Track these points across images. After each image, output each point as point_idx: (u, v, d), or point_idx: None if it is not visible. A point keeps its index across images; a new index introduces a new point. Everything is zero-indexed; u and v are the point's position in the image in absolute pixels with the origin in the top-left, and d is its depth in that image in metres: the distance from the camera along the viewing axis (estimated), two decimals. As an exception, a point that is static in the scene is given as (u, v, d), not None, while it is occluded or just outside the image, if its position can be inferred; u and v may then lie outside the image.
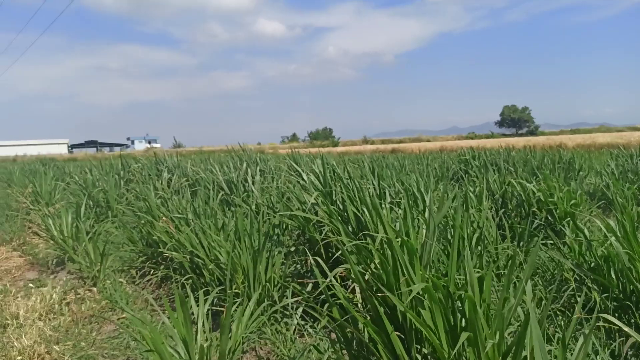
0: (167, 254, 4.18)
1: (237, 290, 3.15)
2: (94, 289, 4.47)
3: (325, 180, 3.35)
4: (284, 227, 3.65)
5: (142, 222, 4.93)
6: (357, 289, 2.60)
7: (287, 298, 3.05)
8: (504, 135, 78.44)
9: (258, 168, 7.48)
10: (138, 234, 5.08)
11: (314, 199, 3.11)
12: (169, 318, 2.59)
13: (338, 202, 3.18)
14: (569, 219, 4.54)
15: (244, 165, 7.36)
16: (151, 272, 4.52)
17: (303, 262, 3.44)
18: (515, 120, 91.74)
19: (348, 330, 2.23)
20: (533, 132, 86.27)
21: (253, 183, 6.38)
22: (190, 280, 3.79)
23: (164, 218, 4.18)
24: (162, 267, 4.53)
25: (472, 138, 70.50)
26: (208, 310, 2.77)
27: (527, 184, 4.58)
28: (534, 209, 4.71)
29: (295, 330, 3.04)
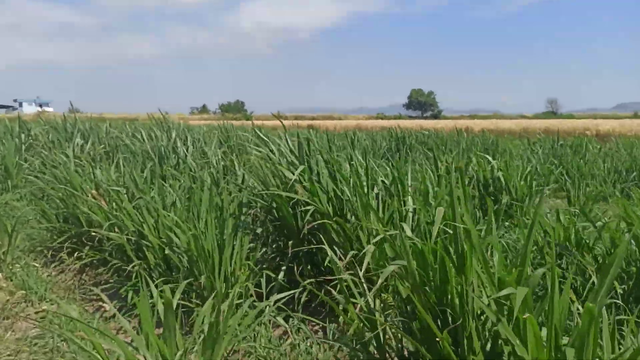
0: (97, 234, 3.49)
1: (199, 282, 2.64)
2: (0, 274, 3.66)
3: (302, 153, 2.90)
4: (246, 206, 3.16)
5: (60, 194, 4.13)
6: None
7: (268, 291, 2.59)
8: (411, 117, 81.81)
9: (189, 137, 6.77)
10: (53, 208, 4.27)
11: (297, 175, 2.65)
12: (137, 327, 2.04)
13: (321, 180, 2.76)
14: (526, 200, 4.52)
15: (173, 133, 6.61)
16: (74, 254, 3.79)
17: (274, 247, 2.99)
18: (421, 103, 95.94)
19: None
20: (436, 116, 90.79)
21: (187, 152, 5.71)
22: (130, 266, 3.18)
23: (93, 191, 3.47)
24: (87, 248, 3.81)
25: (381, 118, 72.48)
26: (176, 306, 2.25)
27: (492, 161, 4.48)
28: (491, 190, 4.64)
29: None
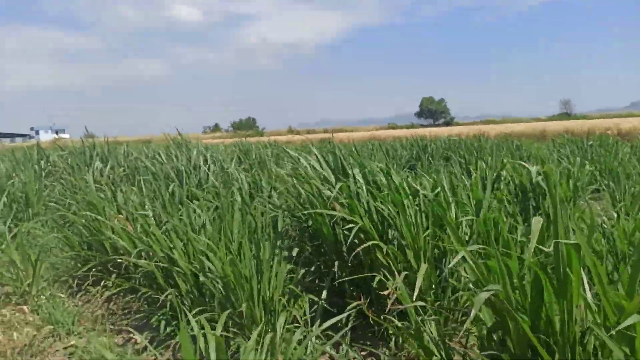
0: (124, 261, 3.33)
1: (237, 310, 2.45)
2: (25, 307, 3.52)
3: (338, 168, 2.72)
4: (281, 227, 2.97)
5: (83, 220, 3.99)
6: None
7: (311, 316, 2.39)
8: (423, 126, 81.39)
9: (209, 155, 6.65)
10: (76, 235, 4.13)
11: (334, 191, 2.47)
12: None
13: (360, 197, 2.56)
14: (570, 204, 4.27)
15: (194, 152, 6.49)
16: (101, 282, 3.64)
17: (313, 269, 2.79)
18: (432, 111, 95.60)
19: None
20: (449, 123, 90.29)
21: (208, 170, 5.57)
22: (163, 296, 3.01)
23: (119, 216, 3.32)
24: (113, 276, 3.66)
25: (393, 128, 72.28)
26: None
27: (529, 166, 4.25)
28: (530, 195, 4.40)
29: None
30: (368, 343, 2.73)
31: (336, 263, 2.57)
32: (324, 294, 2.66)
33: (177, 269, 2.73)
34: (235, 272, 2.33)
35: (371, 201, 2.57)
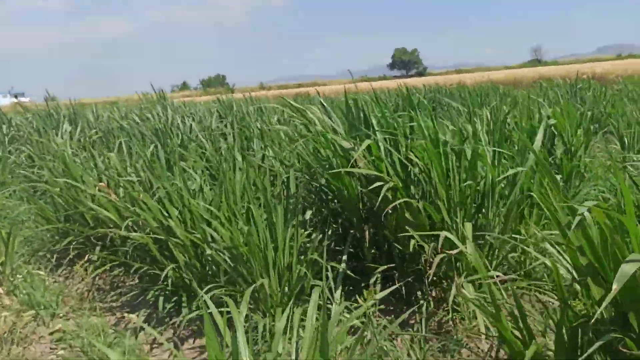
0: (112, 234, 2.97)
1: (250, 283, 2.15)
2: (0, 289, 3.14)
3: (355, 118, 2.37)
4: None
5: (58, 189, 3.57)
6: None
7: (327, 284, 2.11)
8: (396, 77, 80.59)
9: (188, 112, 6.18)
10: (51, 206, 3.72)
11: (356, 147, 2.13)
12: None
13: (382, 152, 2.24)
14: (581, 149, 4.06)
15: (169, 111, 6.01)
16: (85, 257, 3.27)
17: (330, 232, 2.49)
18: (405, 62, 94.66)
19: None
20: (422, 73, 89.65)
21: (192, 128, 5.14)
22: (166, 270, 2.68)
23: (101, 184, 2.93)
24: (97, 249, 3.30)
25: (367, 81, 71.46)
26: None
27: (545, 111, 3.98)
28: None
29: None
30: (390, 308, 2.50)
31: (366, 226, 2.27)
32: (344, 259, 2.37)
33: (176, 240, 2.39)
34: (250, 241, 2.00)
35: (396, 154, 2.25)
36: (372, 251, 2.47)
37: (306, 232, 2.31)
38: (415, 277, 2.42)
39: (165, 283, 2.69)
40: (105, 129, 6.15)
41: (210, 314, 1.77)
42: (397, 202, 1.97)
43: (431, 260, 1.94)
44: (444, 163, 2.08)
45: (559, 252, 1.64)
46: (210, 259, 2.38)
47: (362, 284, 2.52)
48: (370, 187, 2.06)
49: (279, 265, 2.18)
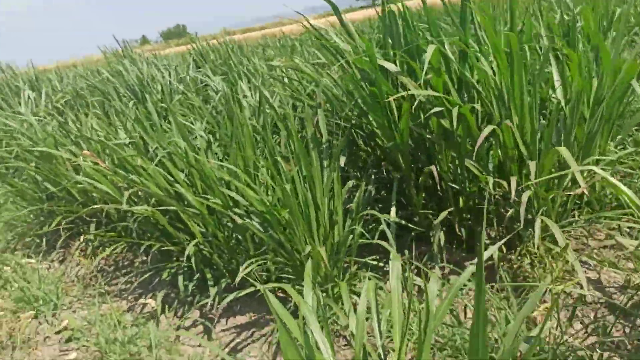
0: (108, 210, 2.54)
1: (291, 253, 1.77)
2: (-14, 286, 2.73)
3: (393, 35, 1.91)
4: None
5: (32, 164, 3.08)
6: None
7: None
8: (362, 8, 77.97)
9: (161, 63, 5.57)
10: (28, 183, 3.24)
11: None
12: None
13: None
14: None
15: (143, 64, 5.40)
16: (80, 237, 2.86)
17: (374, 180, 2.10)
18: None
19: None
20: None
21: (170, 79, 4.59)
22: (190, 246, 2.30)
23: (85, 152, 2.46)
24: (92, 227, 2.88)
25: (331, 15, 68.53)
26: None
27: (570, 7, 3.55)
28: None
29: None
30: (447, 257, 2.17)
31: (421, 173, 1.88)
32: (392, 212, 2.00)
33: (192, 209, 1.98)
34: (291, 203, 1.60)
35: (457, 67, 1.80)
36: (421, 198, 2.10)
37: (351, 183, 1.93)
38: (475, 222, 2.09)
39: (180, 260, 2.32)
40: (72, 92, 5.53)
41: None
42: (488, 127, 1.55)
43: (513, 199, 1.58)
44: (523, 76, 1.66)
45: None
46: (232, 227, 1.99)
47: (412, 233, 2.18)
48: (430, 113, 1.65)
49: (324, 227, 1.80)
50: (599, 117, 1.75)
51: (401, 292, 1.28)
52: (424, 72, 1.54)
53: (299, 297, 1.23)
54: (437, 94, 1.62)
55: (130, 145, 2.39)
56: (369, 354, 1.22)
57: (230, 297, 1.77)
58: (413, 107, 1.68)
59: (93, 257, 2.83)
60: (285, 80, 2.99)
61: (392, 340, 1.38)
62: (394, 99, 1.78)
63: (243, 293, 1.78)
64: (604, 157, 1.87)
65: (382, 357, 1.18)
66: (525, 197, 1.56)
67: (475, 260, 2.07)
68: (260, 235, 1.78)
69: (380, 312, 1.35)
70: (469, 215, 2.09)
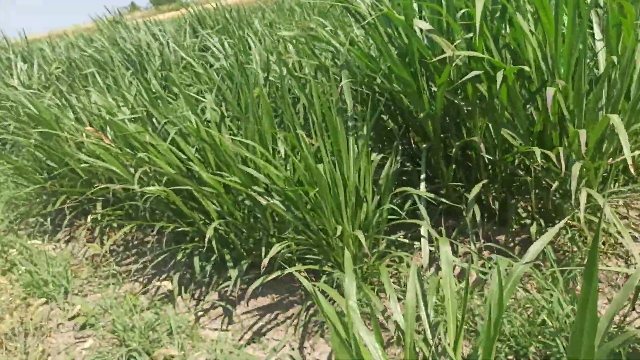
0: (116, 191, 2.40)
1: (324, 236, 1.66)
2: (-8, 270, 2.63)
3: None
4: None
5: (32, 140, 2.93)
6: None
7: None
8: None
9: (157, 30, 5.33)
10: (30, 162, 3.09)
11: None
12: None
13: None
14: None
15: (140, 32, 5.16)
16: (86, 217, 2.73)
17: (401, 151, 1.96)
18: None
19: None
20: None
21: (169, 47, 4.38)
22: (186, 226, 2.18)
23: (88, 128, 2.31)
24: (98, 206, 2.75)
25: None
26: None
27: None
28: None
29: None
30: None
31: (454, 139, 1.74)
32: (422, 187, 1.88)
33: (207, 189, 1.85)
34: (321, 181, 1.47)
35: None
36: (452, 167, 1.97)
37: (378, 157, 1.79)
38: (509, 194, 1.97)
39: (196, 240, 2.20)
40: (66, 63, 5.30)
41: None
42: (550, 89, 1.39)
43: (564, 171, 1.45)
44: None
45: None
46: (250, 206, 1.87)
47: (440, 207, 2.07)
48: (467, 77, 1.49)
49: (352, 205, 1.68)
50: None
51: (452, 281, 1.16)
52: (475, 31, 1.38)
53: (338, 296, 1.11)
54: (481, 55, 1.47)
55: (135, 121, 2.23)
56: (419, 348, 1.12)
57: (257, 282, 1.65)
58: (450, 72, 1.52)
59: (102, 239, 2.72)
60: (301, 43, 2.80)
61: (438, 329, 1.27)
62: (424, 63, 1.63)
63: (271, 277, 1.66)
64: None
65: (435, 355, 1.07)
66: (576, 169, 1.43)
67: (517, 238, 1.96)
68: (284, 215, 1.65)
69: (427, 300, 1.24)
70: (502, 187, 1.96)
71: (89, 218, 2.64)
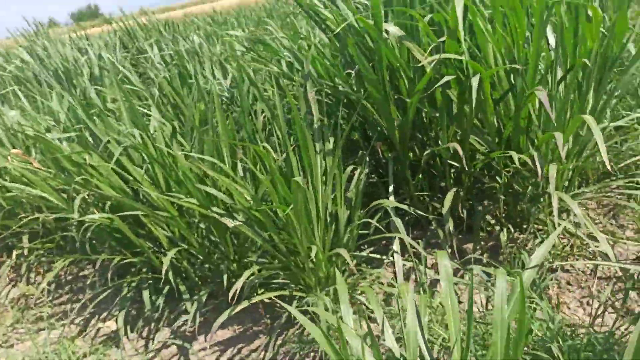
0: (43, 216, 2.11)
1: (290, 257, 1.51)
2: None
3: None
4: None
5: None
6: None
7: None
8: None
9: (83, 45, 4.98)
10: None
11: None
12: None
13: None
14: None
15: (66, 46, 4.79)
16: (11, 253, 2.40)
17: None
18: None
19: None
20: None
21: (99, 62, 4.06)
22: (131, 257, 1.95)
23: (14, 151, 2.02)
24: (25, 239, 2.43)
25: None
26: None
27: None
28: None
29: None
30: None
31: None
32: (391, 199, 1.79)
33: (161, 213, 1.65)
34: (297, 198, 1.33)
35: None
36: (419, 177, 1.90)
37: (349, 169, 1.67)
38: (476, 201, 1.92)
39: (143, 271, 1.97)
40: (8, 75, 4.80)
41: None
42: (539, 89, 1.32)
43: (542, 175, 1.41)
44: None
45: None
46: (206, 228, 1.69)
47: (406, 218, 1.99)
48: (441, 83, 1.42)
49: (324, 222, 1.55)
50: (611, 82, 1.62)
51: (452, 299, 1.06)
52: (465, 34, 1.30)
53: (341, 326, 0.98)
54: (461, 57, 1.40)
55: (68, 140, 1.98)
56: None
57: (225, 315, 1.47)
58: (424, 79, 1.45)
59: (29, 277, 2.40)
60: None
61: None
62: (391, 70, 1.54)
63: (239, 308, 1.49)
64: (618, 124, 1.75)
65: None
66: (553, 171, 1.39)
67: (485, 246, 1.91)
68: (248, 237, 1.49)
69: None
70: (468, 195, 1.92)
71: (14, 254, 2.32)
